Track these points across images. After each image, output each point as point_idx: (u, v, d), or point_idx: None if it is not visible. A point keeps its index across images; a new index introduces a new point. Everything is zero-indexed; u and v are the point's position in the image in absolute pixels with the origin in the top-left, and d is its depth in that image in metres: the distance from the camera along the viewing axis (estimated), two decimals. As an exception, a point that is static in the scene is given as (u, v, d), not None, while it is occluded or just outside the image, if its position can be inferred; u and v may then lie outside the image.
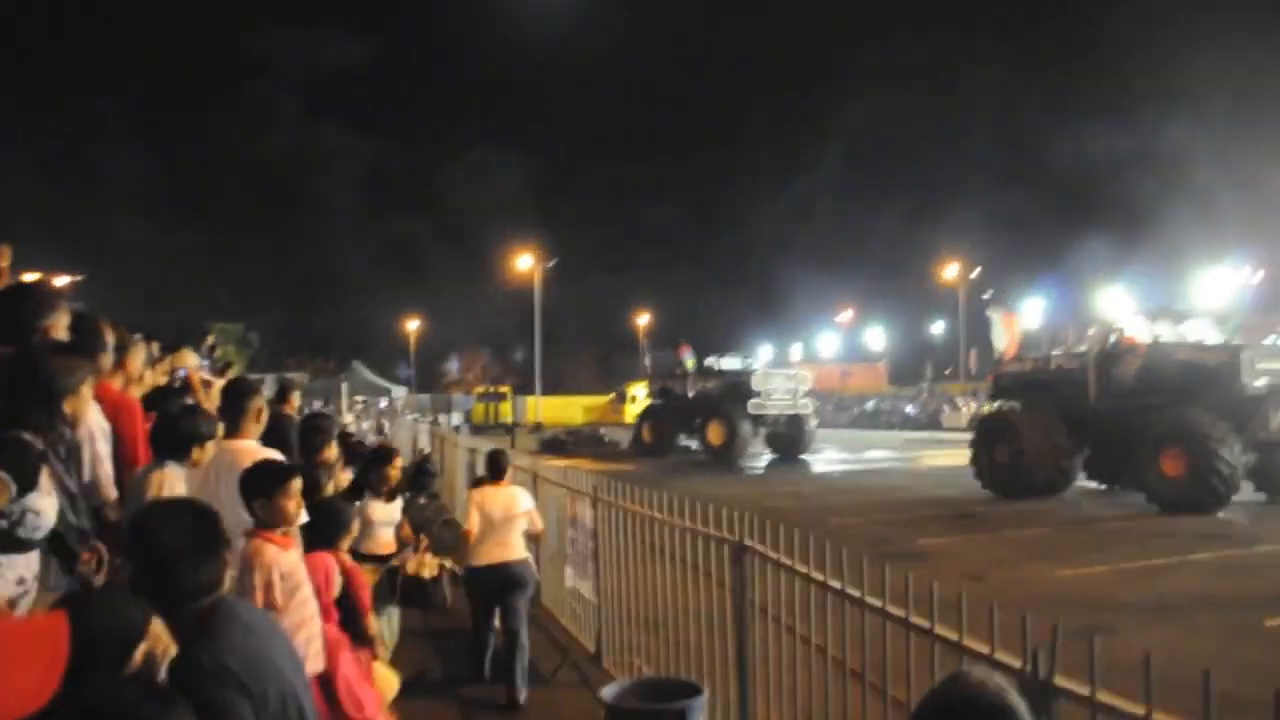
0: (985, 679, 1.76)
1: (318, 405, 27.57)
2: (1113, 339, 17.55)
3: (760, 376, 29.93)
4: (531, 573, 6.95)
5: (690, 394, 32.04)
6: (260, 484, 3.77)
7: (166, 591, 2.19)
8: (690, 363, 33.46)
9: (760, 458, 29.88)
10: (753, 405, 29.00)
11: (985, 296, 24.63)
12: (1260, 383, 15.34)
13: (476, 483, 7.43)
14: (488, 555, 6.62)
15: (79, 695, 1.81)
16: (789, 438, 30.17)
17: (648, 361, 37.75)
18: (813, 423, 30.61)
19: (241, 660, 2.14)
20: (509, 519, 6.70)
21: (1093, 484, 18.29)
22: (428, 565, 6.35)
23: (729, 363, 33.06)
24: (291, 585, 3.68)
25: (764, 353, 79.77)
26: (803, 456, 29.86)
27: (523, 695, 6.40)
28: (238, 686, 2.11)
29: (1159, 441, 15.37)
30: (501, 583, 6.63)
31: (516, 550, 6.70)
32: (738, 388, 29.90)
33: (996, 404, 21.30)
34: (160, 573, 2.22)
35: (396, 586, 6.25)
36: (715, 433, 29.36)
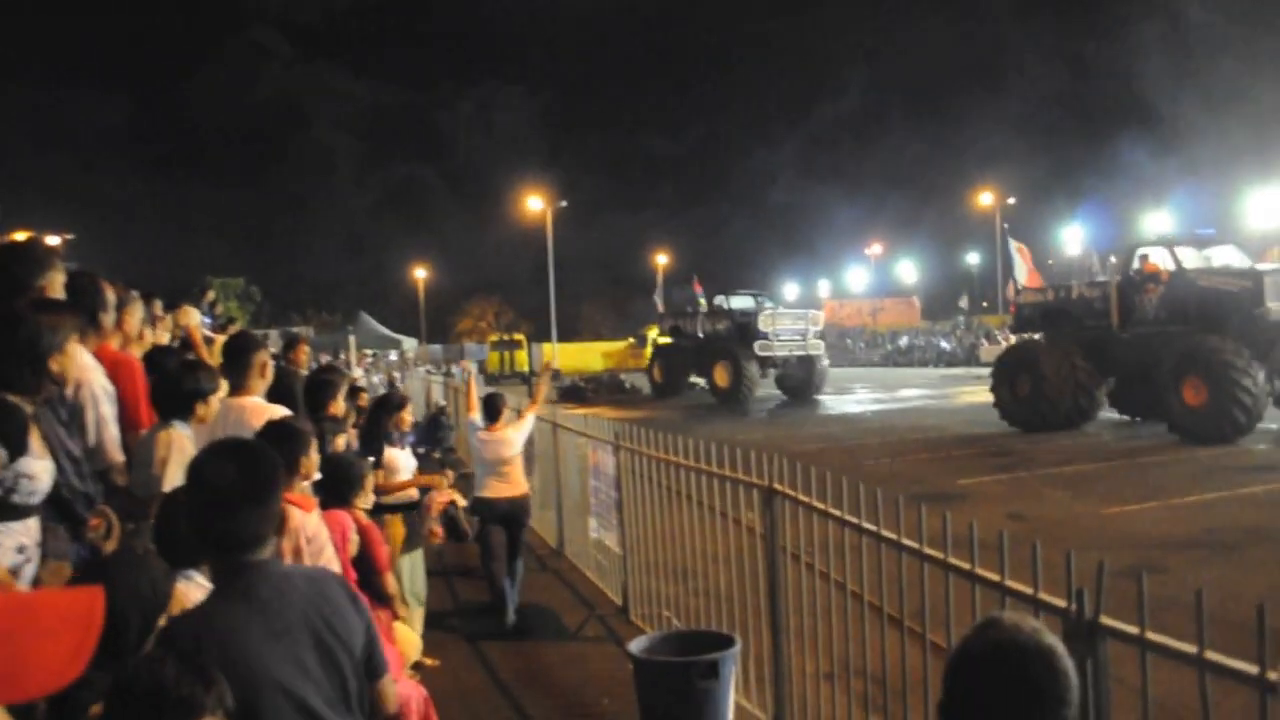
0: (1020, 621, 1.77)
1: (325, 359, 27.75)
2: (1135, 266, 17.72)
3: (767, 316, 29.95)
4: (530, 504, 7.90)
5: (700, 334, 32.18)
6: (281, 443, 3.77)
7: (211, 537, 2.25)
8: (702, 300, 33.49)
9: (770, 400, 29.99)
10: (759, 346, 29.15)
11: (1005, 226, 24.55)
12: None
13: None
14: (494, 490, 7.49)
15: (111, 670, 1.84)
16: (799, 379, 30.35)
17: (659, 299, 37.60)
18: (824, 363, 30.82)
19: (219, 644, 2.11)
20: (504, 460, 7.49)
21: (1118, 415, 18.45)
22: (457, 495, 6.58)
23: (739, 301, 32.94)
24: (317, 548, 3.72)
25: (789, 289, 79.77)
26: (819, 397, 29.98)
27: (512, 617, 7.26)
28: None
29: (1179, 370, 15.55)
30: (509, 512, 7.48)
31: (519, 486, 7.60)
32: (745, 328, 29.97)
33: (1018, 336, 21.48)
34: (207, 516, 2.26)
35: (422, 531, 6.44)
36: (721, 374, 29.57)
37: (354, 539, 4.41)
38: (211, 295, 16.69)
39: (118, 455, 3.79)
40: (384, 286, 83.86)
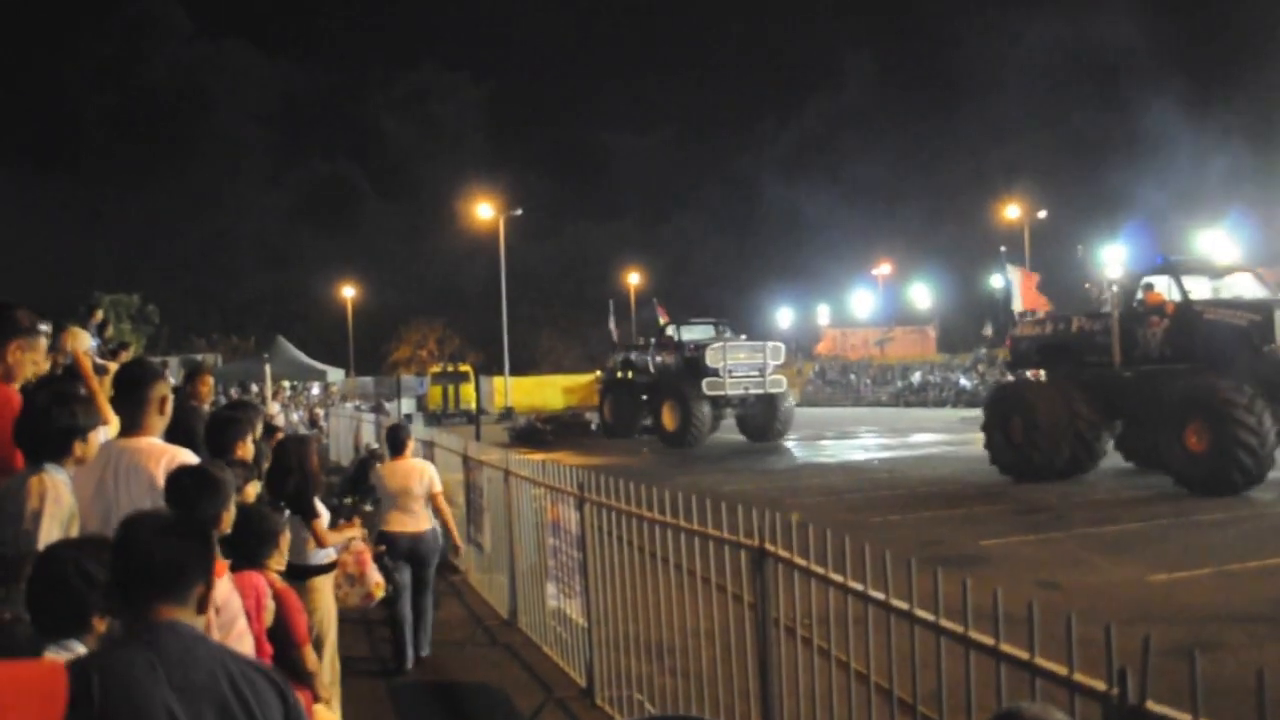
0: (1044, 713, 1.77)
1: (235, 393, 27.58)
2: (1138, 297, 18.13)
3: (717, 351, 30.39)
4: (438, 543, 8.71)
5: (651, 368, 32.78)
6: (197, 494, 3.79)
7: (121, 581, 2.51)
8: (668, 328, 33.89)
9: (743, 444, 30.57)
10: (708, 384, 29.78)
11: (1002, 250, 25.35)
12: None
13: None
14: (398, 524, 8.38)
15: None
16: (760, 420, 31.05)
17: (613, 326, 37.90)
18: (788, 403, 31.57)
19: (108, 679, 2.27)
20: (410, 495, 8.40)
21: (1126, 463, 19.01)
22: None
23: (695, 331, 33.43)
24: (228, 618, 3.70)
25: (783, 315, 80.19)
26: (787, 441, 30.75)
27: (425, 650, 8.40)
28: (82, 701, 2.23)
29: (1181, 414, 15.99)
30: (412, 548, 8.36)
31: (424, 521, 8.48)
32: (695, 363, 30.50)
33: (1013, 374, 22.22)
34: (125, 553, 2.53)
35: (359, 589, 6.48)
36: (668, 415, 30.30)
37: (269, 605, 4.38)
38: (100, 315, 16.62)
39: None
40: (305, 306, 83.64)
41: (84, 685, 2.23)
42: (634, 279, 70.91)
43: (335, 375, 47.42)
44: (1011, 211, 60.66)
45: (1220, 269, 19.36)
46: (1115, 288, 19.05)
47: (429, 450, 13.13)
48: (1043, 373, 20.52)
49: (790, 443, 30.97)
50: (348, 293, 74.86)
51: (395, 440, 8.98)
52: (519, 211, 55.81)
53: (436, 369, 57.42)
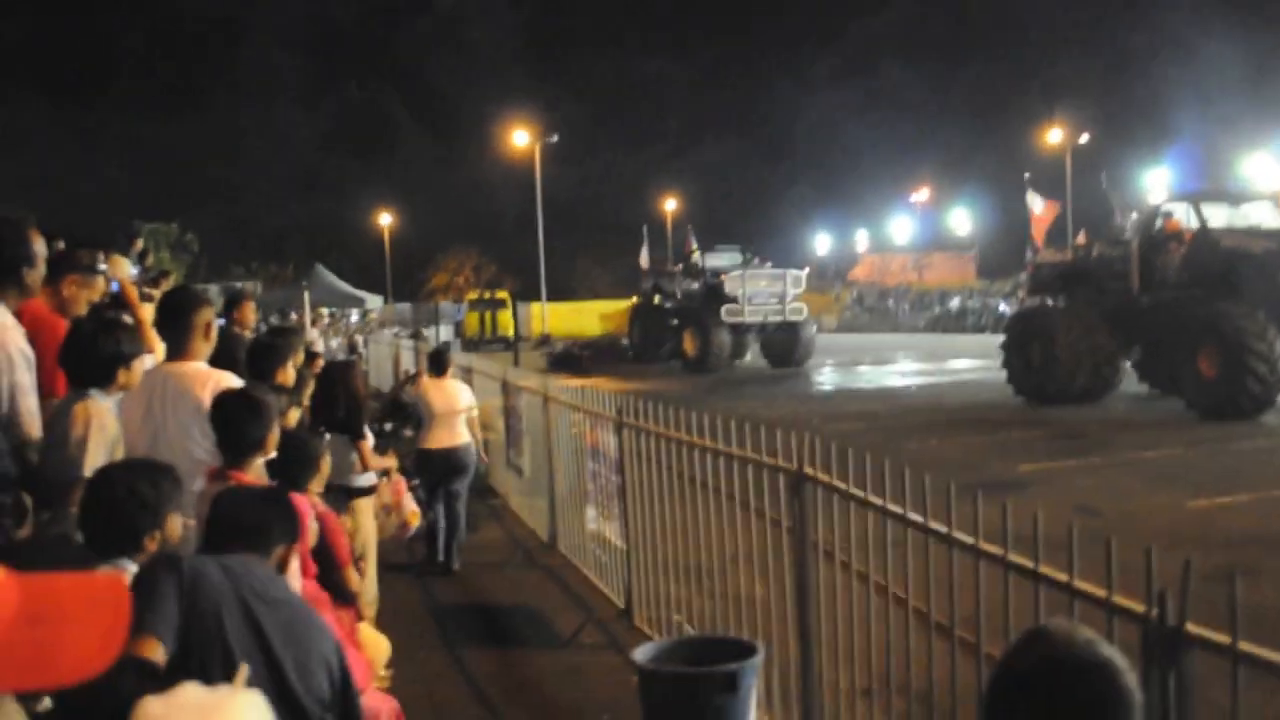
0: (1073, 632, 1.77)
1: (275, 320, 27.81)
2: (1158, 224, 18.37)
3: (736, 279, 30.62)
4: (473, 458, 9.34)
5: (678, 294, 33.14)
6: (241, 417, 3.89)
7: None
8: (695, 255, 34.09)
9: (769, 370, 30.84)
10: (726, 311, 30.00)
11: (1026, 176, 25.59)
12: None
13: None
14: (436, 440, 8.98)
15: None
16: (782, 347, 31.27)
17: (645, 253, 37.96)
18: (810, 330, 31.84)
19: (195, 562, 2.70)
20: (452, 411, 9.05)
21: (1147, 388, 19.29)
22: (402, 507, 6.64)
23: (721, 258, 33.52)
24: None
25: (821, 241, 79.63)
26: (827, 365, 31.09)
27: (456, 564, 8.99)
28: (173, 565, 2.64)
29: (1195, 340, 16.31)
30: (447, 464, 8.98)
31: (461, 436, 9.09)
32: (716, 290, 30.72)
33: (1035, 299, 22.35)
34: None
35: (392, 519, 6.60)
36: (689, 341, 30.61)
37: (313, 528, 4.45)
38: (140, 244, 16.71)
39: (35, 430, 3.82)
40: (343, 235, 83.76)
41: (177, 562, 2.64)
42: (670, 205, 70.54)
43: (373, 302, 47.74)
44: (1054, 136, 59.65)
45: (1239, 196, 19.41)
46: (1135, 215, 19.22)
47: (467, 376, 13.21)
48: (1057, 300, 20.74)
49: (828, 368, 30.95)
50: (384, 220, 74.95)
51: (439, 362, 9.65)
52: (555, 138, 55.50)
53: (474, 295, 57.38)
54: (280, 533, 3.10)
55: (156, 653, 2.46)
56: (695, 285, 32.38)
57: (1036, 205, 23.15)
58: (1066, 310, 19.92)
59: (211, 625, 2.61)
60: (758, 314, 30.40)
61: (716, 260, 33.19)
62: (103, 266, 5.17)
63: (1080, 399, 18.68)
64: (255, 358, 5.97)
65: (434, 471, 8.98)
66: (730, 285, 30.37)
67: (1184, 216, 18.20)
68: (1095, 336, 18.73)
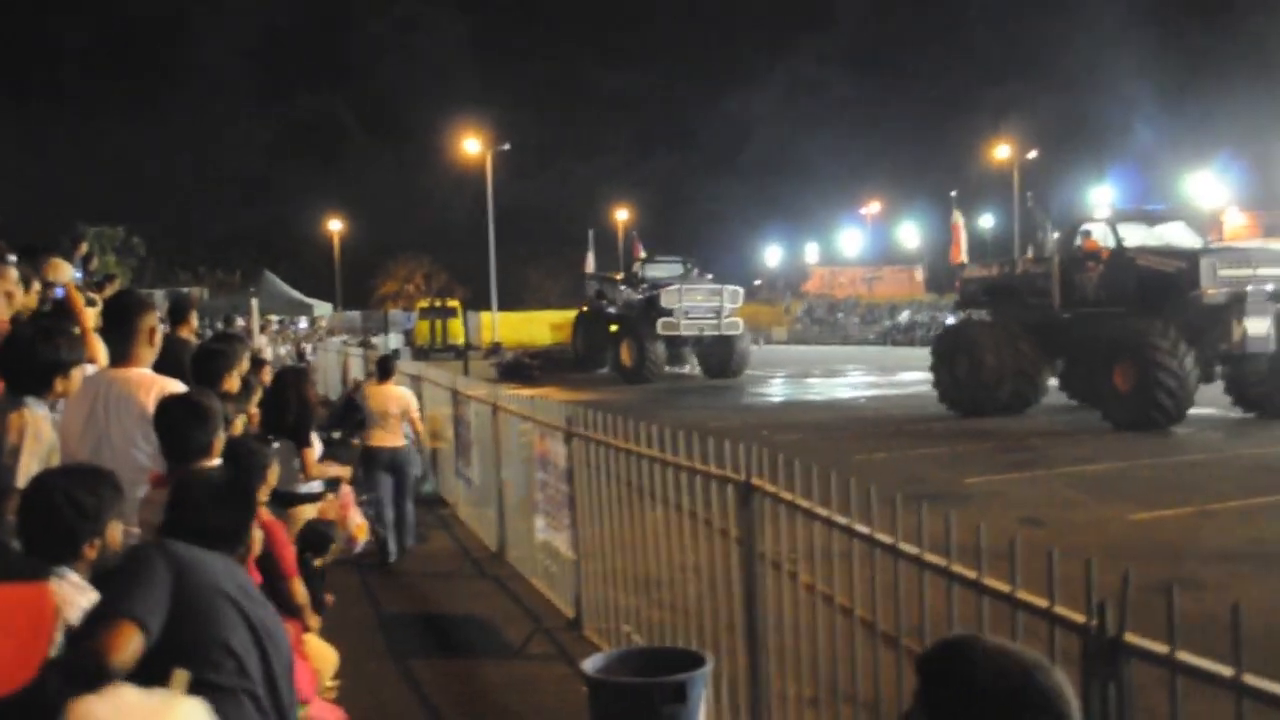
0: (982, 641, 1.78)
1: (220, 326, 27.48)
2: (1077, 243, 19.27)
3: (673, 293, 31.22)
4: (413, 457, 10.06)
5: (619, 303, 33.80)
6: (186, 422, 3.84)
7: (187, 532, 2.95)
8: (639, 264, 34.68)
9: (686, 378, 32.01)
10: (662, 324, 30.68)
11: (953, 194, 27.50)
12: (1221, 291, 16.91)
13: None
14: (378, 439, 9.69)
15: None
16: (717, 359, 32.03)
17: (590, 258, 38.35)
18: (744, 344, 32.52)
19: (188, 552, 2.74)
20: (391, 414, 9.70)
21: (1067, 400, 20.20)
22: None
23: (660, 269, 34.21)
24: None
25: (771, 253, 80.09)
26: (755, 376, 31.82)
27: (410, 541, 9.80)
28: (166, 553, 2.69)
29: (1110, 354, 17.19)
30: (392, 460, 9.66)
31: (400, 438, 9.78)
32: (653, 303, 31.38)
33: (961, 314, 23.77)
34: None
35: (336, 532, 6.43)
36: (625, 351, 31.27)
37: (258, 537, 4.40)
38: (85, 247, 16.48)
39: None
40: (292, 241, 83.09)
41: (170, 549, 2.71)
42: (621, 215, 70.62)
43: (322, 309, 47.38)
44: (1001, 152, 60.42)
45: (1155, 217, 20.30)
46: (1056, 234, 20.19)
47: (417, 384, 13.16)
48: (983, 314, 21.85)
49: (778, 380, 31.16)
50: (334, 226, 74.43)
51: (384, 368, 10.38)
52: (506, 146, 55.45)
53: (424, 304, 57.11)
54: (244, 535, 3.14)
55: (133, 640, 2.40)
56: (636, 295, 32.85)
57: (959, 222, 24.82)
58: (992, 324, 20.81)
59: (205, 616, 2.61)
60: (693, 327, 31.13)
61: (657, 271, 33.87)
62: (12, 257, 5.10)
63: (1005, 410, 19.49)
64: (200, 364, 5.90)
65: (379, 466, 9.63)
66: (667, 299, 31.02)
67: (1102, 236, 19.05)
68: (1020, 350, 19.55)
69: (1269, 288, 17.06)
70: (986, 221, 73.81)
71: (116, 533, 3.01)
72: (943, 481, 12.67)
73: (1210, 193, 51.52)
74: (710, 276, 34.15)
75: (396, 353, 35.32)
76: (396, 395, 9.97)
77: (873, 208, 78.21)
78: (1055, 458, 14.50)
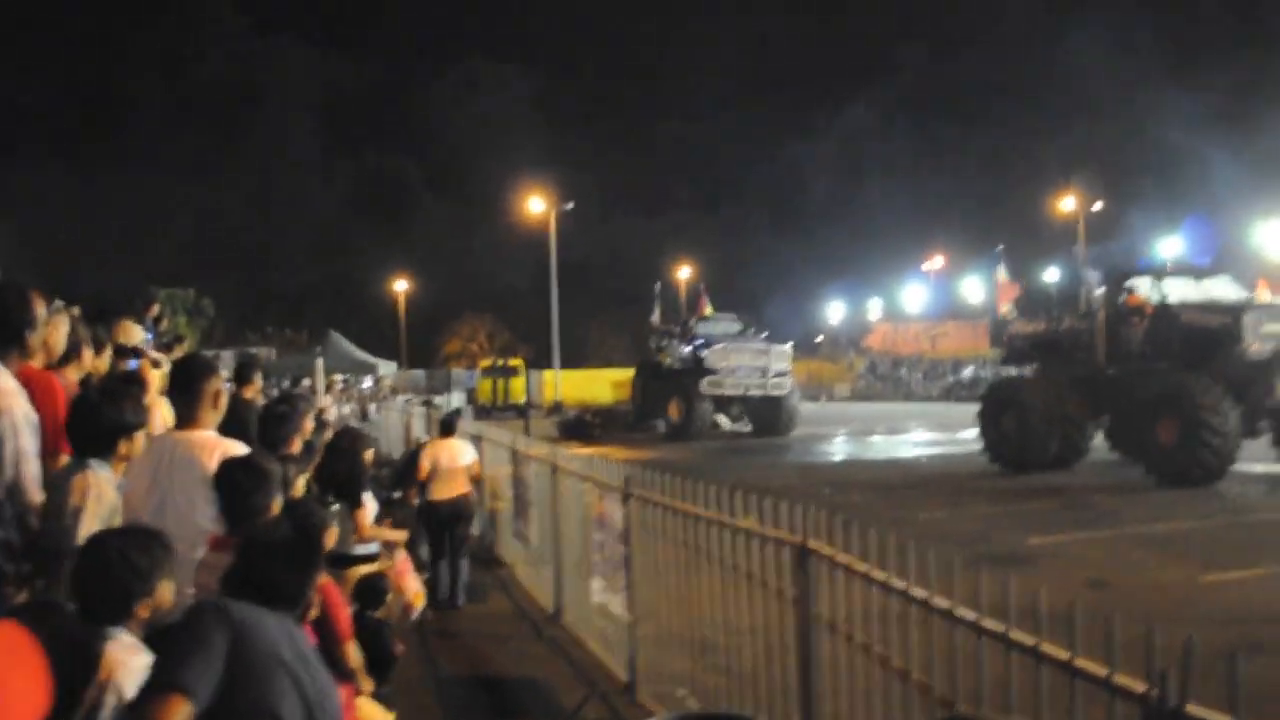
0: None
1: (287, 386, 27.88)
2: (1121, 299, 19.38)
3: (720, 352, 31.46)
4: (473, 507, 10.76)
5: (675, 360, 33.62)
6: (244, 486, 3.90)
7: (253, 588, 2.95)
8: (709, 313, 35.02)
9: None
10: (707, 383, 30.96)
11: (999, 249, 27.61)
12: (1266, 346, 17.08)
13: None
14: (440, 492, 10.19)
15: None
16: (766, 416, 32.20)
17: (657, 311, 38.32)
18: (793, 402, 32.57)
19: (246, 613, 2.74)
20: (454, 468, 10.32)
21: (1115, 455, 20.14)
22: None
23: (717, 326, 34.22)
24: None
25: (834, 309, 79.76)
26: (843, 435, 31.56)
27: (460, 600, 10.12)
28: (224, 616, 2.69)
29: (1156, 409, 17.32)
30: (451, 512, 10.21)
31: (462, 488, 10.36)
32: (700, 362, 31.62)
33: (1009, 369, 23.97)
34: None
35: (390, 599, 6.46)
36: (674, 407, 31.67)
37: (315, 599, 4.43)
38: (156, 309, 16.83)
39: (36, 495, 3.83)
40: (359, 300, 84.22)
41: (229, 612, 2.71)
42: (684, 273, 70.86)
43: (387, 368, 47.88)
44: (1067, 204, 59.91)
45: (1201, 271, 20.46)
46: (1101, 289, 20.05)
47: (478, 444, 13.24)
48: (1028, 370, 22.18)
49: (840, 437, 30.92)
50: (400, 286, 75.38)
51: (448, 425, 11.19)
52: (570, 205, 55.91)
53: (486, 363, 57.52)
54: (308, 591, 3.15)
55: (181, 712, 2.42)
56: (687, 351, 33.03)
57: (1002, 277, 24.75)
58: (1039, 380, 21.07)
59: (258, 684, 2.61)
60: (739, 387, 31.39)
61: (712, 328, 33.82)
62: (73, 310, 5.22)
63: (1053, 465, 19.60)
64: (268, 426, 6.01)
65: (439, 519, 10.19)
66: (713, 358, 31.24)
67: (1147, 290, 19.18)
68: (1066, 405, 19.68)
69: None
70: (1052, 275, 73.22)
71: (168, 593, 3.04)
72: (1006, 542, 12.46)
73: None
74: (765, 335, 34.15)
75: (458, 411, 35.63)
76: (460, 448, 10.60)
77: (936, 262, 77.69)
78: (1122, 517, 14.21)
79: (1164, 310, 18.71)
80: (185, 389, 4.63)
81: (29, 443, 3.78)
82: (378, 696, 5.44)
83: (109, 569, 2.89)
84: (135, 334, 8.26)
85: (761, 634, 5.22)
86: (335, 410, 27.05)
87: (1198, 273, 20.31)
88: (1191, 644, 2.52)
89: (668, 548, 6.47)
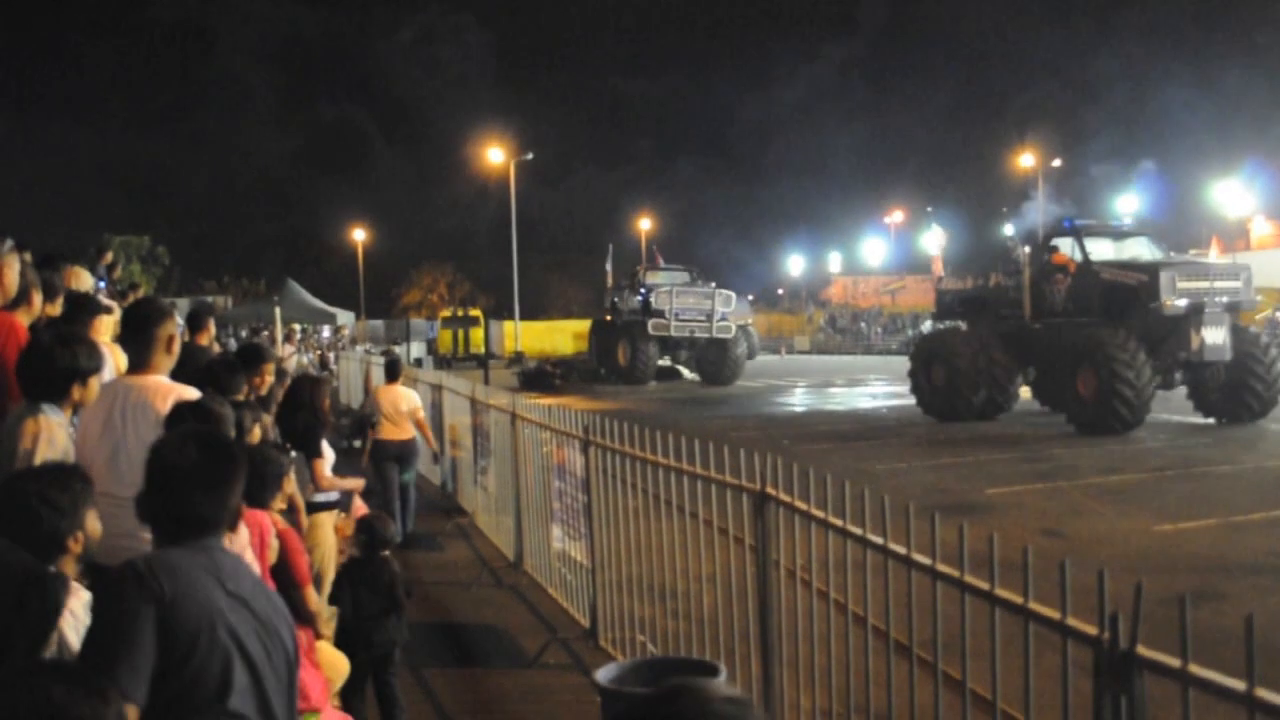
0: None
1: (245, 335, 27.62)
2: (1046, 257, 20.65)
3: (665, 294, 32.60)
4: (418, 449, 11.31)
5: (625, 310, 35.08)
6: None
7: (166, 517, 2.67)
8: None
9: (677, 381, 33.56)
10: (653, 325, 32.29)
11: (929, 210, 30.30)
12: (1180, 302, 18.16)
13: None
14: (388, 433, 10.72)
15: None
16: (712, 365, 33.21)
17: (609, 268, 39.33)
18: (739, 349, 33.75)
19: (173, 575, 2.47)
20: (398, 413, 10.79)
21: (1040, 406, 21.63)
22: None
23: (666, 277, 35.49)
24: (236, 552, 3.72)
25: (795, 262, 79.92)
26: (746, 382, 32.63)
27: (410, 526, 10.77)
28: (148, 591, 2.42)
29: (1074, 362, 18.39)
30: (399, 453, 10.76)
31: (407, 431, 10.90)
32: (647, 306, 33.05)
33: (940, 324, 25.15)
34: (162, 498, 2.66)
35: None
36: (621, 353, 33.04)
37: (273, 544, 4.42)
38: (109, 256, 16.64)
39: None
40: (316, 250, 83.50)
41: (153, 580, 2.42)
42: (644, 224, 70.66)
43: (345, 318, 47.49)
44: (1026, 160, 60.11)
45: (1121, 232, 21.66)
46: (1027, 247, 21.32)
47: (437, 393, 13.18)
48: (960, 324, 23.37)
49: (800, 389, 31.08)
50: (358, 236, 74.73)
51: (392, 371, 11.50)
52: (529, 156, 55.50)
53: (447, 313, 57.30)
54: (236, 490, 2.78)
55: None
56: (637, 300, 34.18)
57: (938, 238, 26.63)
58: (967, 334, 22.17)
59: (198, 657, 2.44)
60: (684, 329, 32.34)
61: (660, 278, 34.99)
62: (22, 252, 5.13)
63: (981, 415, 20.86)
64: (219, 372, 5.93)
65: (386, 457, 10.62)
66: (659, 300, 32.41)
67: (1070, 250, 20.34)
68: (993, 358, 20.85)
69: (1225, 299, 18.43)
70: (1010, 231, 73.59)
71: (94, 523, 3.00)
72: (964, 492, 12.61)
73: (1237, 201, 51.22)
74: (714, 284, 35.08)
75: (419, 362, 35.54)
76: (404, 394, 11.01)
77: (896, 216, 77.93)
78: (1079, 469, 14.39)
79: (1085, 268, 19.83)
80: (138, 333, 4.54)
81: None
82: (393, 631, 5.58)
83: (30, 510, 2.83)
84: (85, 280, 8.14)
85: (720, 580, 5.26)
86: (295, 360, 26.83)
87: (1117, 233, 21.42)
88: (1140, 589, 2.56)
89: (628, 496, 6.49)
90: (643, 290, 34.08)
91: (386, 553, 5.90)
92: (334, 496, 6.67)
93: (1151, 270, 18.73)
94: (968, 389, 20.73)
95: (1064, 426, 18.59)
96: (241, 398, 5.50)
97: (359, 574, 5.75)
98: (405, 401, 10.91)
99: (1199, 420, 19.27)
